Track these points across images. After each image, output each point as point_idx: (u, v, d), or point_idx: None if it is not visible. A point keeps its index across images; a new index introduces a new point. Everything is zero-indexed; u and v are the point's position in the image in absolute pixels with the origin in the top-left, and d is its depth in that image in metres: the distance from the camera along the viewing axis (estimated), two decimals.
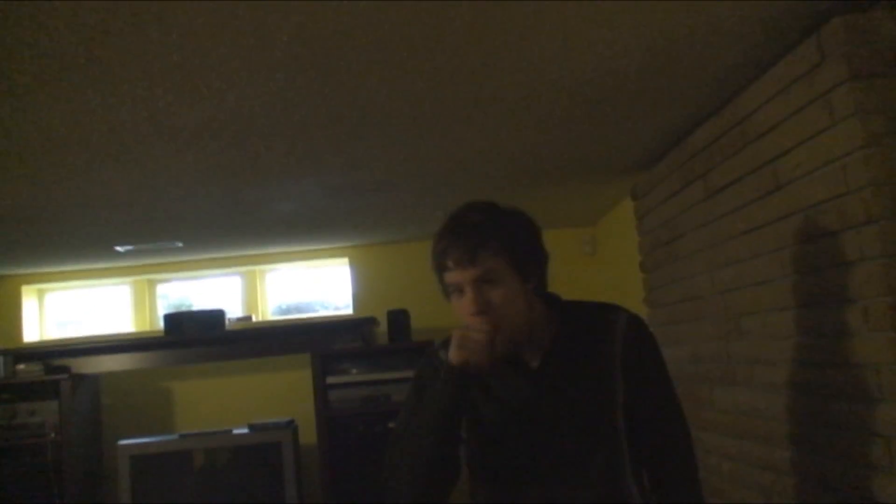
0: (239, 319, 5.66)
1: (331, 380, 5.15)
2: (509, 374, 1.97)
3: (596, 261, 5.69)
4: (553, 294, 2.01)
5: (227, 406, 5.62)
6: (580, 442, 1.91)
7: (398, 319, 5.24)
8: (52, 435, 4.94)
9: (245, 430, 5.12)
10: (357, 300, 5.83)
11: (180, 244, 4.97)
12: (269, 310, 6.08)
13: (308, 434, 5.18)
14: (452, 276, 1.83)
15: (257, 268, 6.01)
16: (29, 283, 5.79)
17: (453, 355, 1.81)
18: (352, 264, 5.86)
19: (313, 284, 6.28)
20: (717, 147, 3.06)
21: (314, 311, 6.17)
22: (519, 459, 1.96)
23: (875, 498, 2.17)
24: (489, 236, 1.83)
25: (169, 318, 5.38)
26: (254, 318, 5.80)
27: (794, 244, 2.54)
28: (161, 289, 6.09)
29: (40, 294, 5.99)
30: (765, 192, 2.70)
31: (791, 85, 2.44)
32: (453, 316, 1.93)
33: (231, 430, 5.15)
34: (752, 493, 3.00)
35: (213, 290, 6.19)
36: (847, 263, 2.23)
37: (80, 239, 4.57)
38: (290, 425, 5.12)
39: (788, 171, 2.52)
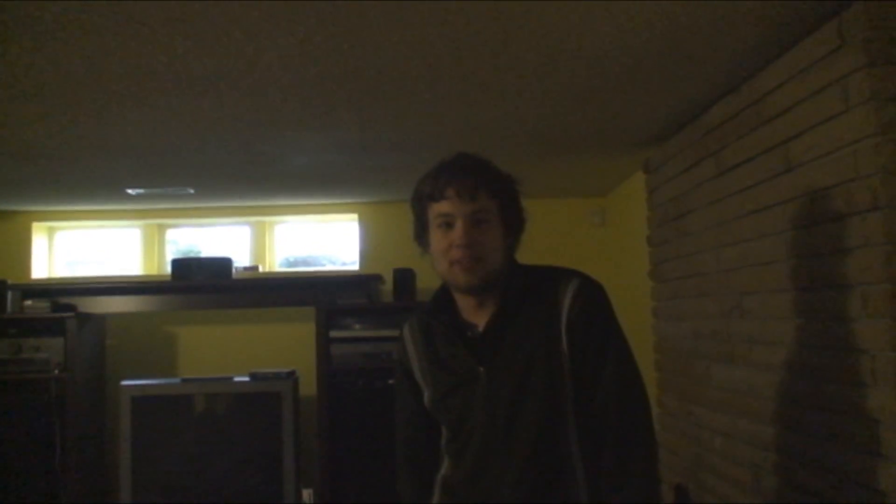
0: (246, 269, 5.69)
1: (334, 334, 5.20)
2: (454, 341, 2.02)
3: (604, 232, 5.69)
4: (515, 261, 2.07)
5: (229, 354, 5.67)
6: (514, 408, 1.93)
7: (404, 278, 5.27)
8: (56, 371, 4.99)
9: (246, 379, 5.16)
10: (364, 257, 5.85)
11: (192, 191, 4.99)
12: (277, 262, 6.11)
13: (308, 386, 5.23)
14: (447, 207, 1.91)
15: (266, 219, 6.03)
16: (40, 220, 5.82)
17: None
18: (361, 221, 5.87)
19: (321, 239, 6.31)
20: (732, 125, 3.06)
21: (321, 265, 6.20)
22: (460, 426, 2.02)
23: (862, 481, 2.20)
24: (492, 179, 1.95)
25: (177, 264, 5.41)
26: (260, 269, 5.83)
27: (799, 227, 2.55)
28: (170, 234, 6.12)
29: (51, 232, 6.03)
30: (775, 174, 2.71)
31: (809, 68, 2.44)
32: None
33: (232, 378, 5.20)
34: (742, 469, 3.04)
35: (222, 238, 6.21)
36: (850, 249, 2.25)
37: (92, 179, 4.58)
38: (291, 376, 5.17)
39: (800, 154, 2.53)
